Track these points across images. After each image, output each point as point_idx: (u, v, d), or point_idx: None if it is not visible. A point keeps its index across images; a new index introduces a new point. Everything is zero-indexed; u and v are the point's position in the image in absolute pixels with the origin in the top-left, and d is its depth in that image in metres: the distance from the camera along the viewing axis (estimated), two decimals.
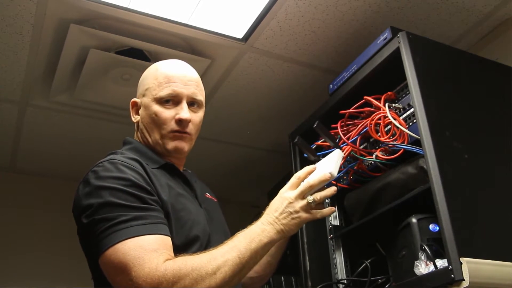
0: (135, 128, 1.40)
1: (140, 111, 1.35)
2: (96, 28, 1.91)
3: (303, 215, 1.21)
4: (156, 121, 1.30)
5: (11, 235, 2.78)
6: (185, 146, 1.32)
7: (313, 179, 1.24)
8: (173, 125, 1.30)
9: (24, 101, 2.32)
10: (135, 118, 1.37)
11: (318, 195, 1.23)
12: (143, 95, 1.35)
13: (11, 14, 1.83)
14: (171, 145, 1.31)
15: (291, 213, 1.21)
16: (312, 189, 1.24)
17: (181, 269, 1.04)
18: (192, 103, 1.34)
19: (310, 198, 1.22)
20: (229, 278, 1.08)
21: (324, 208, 1.31)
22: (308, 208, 1.22)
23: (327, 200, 1.85)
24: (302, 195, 1.23)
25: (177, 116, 1.30)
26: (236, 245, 1.12)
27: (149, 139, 1.33)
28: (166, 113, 1.30)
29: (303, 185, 1.24)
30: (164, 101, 1.30)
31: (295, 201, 1.22)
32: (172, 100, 1.31)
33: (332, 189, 1.27)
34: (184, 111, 1.30)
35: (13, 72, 2.13)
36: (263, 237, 1.16)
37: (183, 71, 1.36)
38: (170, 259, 1.07)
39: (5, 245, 2.73)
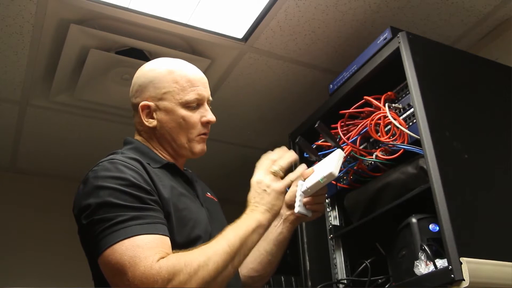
0: (137, 130, 1.37)
1: (159, 115, 1.32)
2: (96, 28, 1.91)
3: (275, 185, 1.26)
4: (183, 126, 1.31)
5: (11, 235, 2.78)
6: (205, 147, 1.36)
7: (273, 154, 1.32)
8: (200, 128, 1.33)
9: (24, 101, 2.33)
10: (149, 122, 1.32)
11: (281, 164, 1.29)
12: (160, 99, 1.32)
13: (11, 14, 1.83)
14: (198, 148, 1.33)
15: (264, 190, 1.25)
16: (274, 162, 1.30)
17: (175, 265, 1.05)
18: (208, 104, 1.37)
19: (272, 168, 1.28)
20: (222, 268, 1.09)
21: (319, 201, 1.37)
22: (276, 178, 1.27)
23: (327, 200, 1.85)
24: (267, 171, 1.28)
25: (204, 119, 1.33)
26: (224, 236, 1.14)
27: (173, 144, 1.33)
28: (194, 117, 1.32)
29: (264, 162, 1.31)
30: (191, 106, 1.32)
31: (263, 178, 1.27)
32: (197, 103, 1.33)
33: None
34: (210, 114, 1.34)
35: (13, 72, 2.13)
36: (249, 222, 1.19)
37: (200, 73, 1.38)
38: (165, 257, 1.07)
39: (5, 245, 2.73)
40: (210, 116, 1.34)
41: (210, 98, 1.38)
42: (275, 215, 1.26)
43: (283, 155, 1.33)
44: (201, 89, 1.33)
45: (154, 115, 1.32)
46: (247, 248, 1.17)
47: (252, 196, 1.27)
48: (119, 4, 1.83)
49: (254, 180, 1.29)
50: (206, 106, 1.35)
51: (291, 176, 1.32)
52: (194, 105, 1.32)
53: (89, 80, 2.14)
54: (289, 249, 1.49)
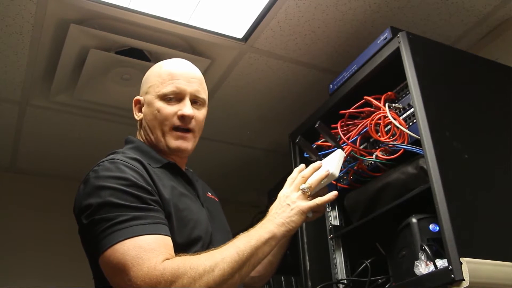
0: (138, 126, 1.39)
1: (143, 109, 1.36)
2: (96, 28, 1.91)
3: (300, 203, 1.24)
4: (158, 118, 1.30)
5: (11, 235, 2.78)
6: (188, 145, 1.32)
7: (307, 171, 1.30)
8: (175, 121, 1.30)
9: (24, 101, 2.32)
10: (138, 116, 1.38)
11: (312, 183, 1.28)
12: (146, 93, 1.35)
13: (11, 14, 1.83)
14: (174, 144, 1.31)
15: (288, 205, 1.24)
16: (305, 180, 1.29)
17: (180, 268, 1.04)
18: (195, 101, 1.34)
19: (302, 186, 1.27)
20: (228, 275, 1.07)
21: (324, 207, 1.34)
22: (303, 197, 1.26)
23: None
24: (297, 188, 1.27)
25: (179, 112, 1.30)
26: (234, 243, 1.13)
27: (152, 137, 1.33)
28: (168, 109, 1.30)
29: (297, 178, 1.30)
30: (167, 98, 1.31)
31: (290, 194, 1.26)
32: (175, 97, 1.31)
33: (332, 194, 1.29)
34: (186, 107, 1.30)
35: (13, 72, 2.13)
36: (263, 232, 1.17)
37: (187, 68, 1.37)
38: (169, 259, 1.06)
39: (5, 245, 2.73)
40: (186, 110, 1.30)
41: (199, 95, 1.35)
42: (291, 231, 1.23)
43: (315, 174, 1.31)
44: (181, 83, 1.32)
45: (142, 109, 1.36)
46: (258, 258, 1.15)
47: (275, 207, 1.26)
48: (119, 4, 1.83)
49: (282, 193, 1.28)
50: (186, 101, 1.32)
51: (318, 200, 1.27)
52: (171, 97, 1.31)
53: (89, 80, 2.14)
54: (289, 249, 1.49)
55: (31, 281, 2.65)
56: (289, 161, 2.01)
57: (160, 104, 1.30)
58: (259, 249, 1.14)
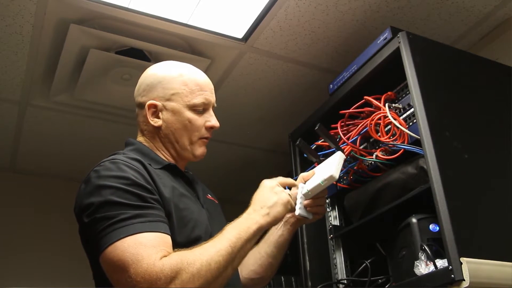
0: (140, 130, 1.37)
1: (165, 115, 1.33)
2: (96, 28, 1.91)
3: (284, 195, 1.27)
4: (188, 128, 1.33)
5: (11, 235, 2.78)
6: (205, 150, 1.39)
7: (284, 179, 1.35)
8: (204, 132, 1.36)
9: (24, 101, 2.32)
10: (155, 122, 1.33)
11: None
12: (168, 100, 1.33)
13: (11, 14, 1.83)
14: (199, 151, 1.36)
15: (275, 193, 1.27)
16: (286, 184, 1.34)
17: (178, 264, 1.05)
18: (213, 109, 1.40)
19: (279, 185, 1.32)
20: (223, 268, 1.09)
21: (320, 204, 1.39)
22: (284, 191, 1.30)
23: (327, 201, 1.85)
24: (277, 183, 1.31)
25: (209, 124, 1.36)
26: (225, 236, 1.14)
27: (176, 144, 1.34)
28: (200, 120, 1.35)
29: (284, 178, 1.35)
30: (198, 110, 1.34)
31: (275, 185, 1.29)
32: (203, 108, 1.36)
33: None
34: (214, 119, 1.37)
35: (13, 72, 2.13)
36: (250, 224, 1.19)
37: (207, 78, 1.41)
38: (167, 256, 1.07)
39: (5, 245, 2.73)
40: (215, 122, 1.37)
41: (215, 104, 1.40)
42: (276, 222, 1.26)
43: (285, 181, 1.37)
44: (208, 94, 1.37)
45: (160, 114, 1.33)
46: (247, 250, 1.17)
47: (259, 195, 1.27)
48: (119, 4, 1.83)
49: (266, 182, 1.30)
50: (211, 111, 1.38)
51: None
52: (200, 109, 1.35)
53: (89, 80, 2.14)
54: (289, 249, 1.49)
55: (31, 281, 2.65)
56: (289, 161, 2.01)
57: (190, 115, 1.33)
58: (248, 241, 1.16)
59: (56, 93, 2.26)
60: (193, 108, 1.33)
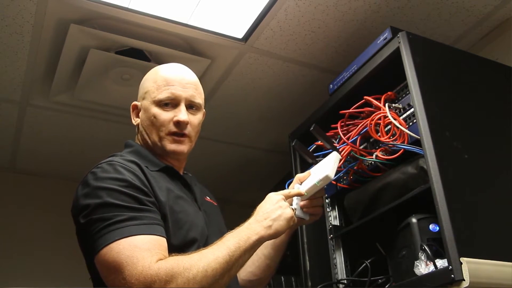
0: (136, 131, 1.40)
1: (140, 114, 1.37)
2: (96, 28, 1.91)
3: (289, 210, 1.25)
4: (155, 123, 1.32)
5: (11, 235, 2.78)
6: (184, 148, 1.33)
7: (289, 192, 1.33)
8: (171, 127, 1.31)
9: (24, 101, 2.32)
10: (135, 120, 1.39)
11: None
12: (143, 98, 1.37)
13: (11, 14, 1.83)
14: (170, 147, 1.32)
15: (280, 207, 1.24)
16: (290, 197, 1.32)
17: (174, 268, 1.05)
18: (191, 106, 1.35)
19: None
20: (219, 276, 1.08)
21: (317, 204, 1.38)
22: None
23: (327, 200, 1.85)
24: (286, 197, 1.29)
25: (175, 118, 1.31)
26: (225, 244, 1.13)
27: (149, 141, 1.34)
28: (165, 115, 1.31)
29: (288, 190, 1.33)
30: (163, 104, 1.32)
31: (281, 199, 1.26)
32: (171, 103, 1.32)
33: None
34: (182, 113, 1.31)
35: (13, 72, 2.13)
36: (251, 234, 1.17)
37: (182, 74, 1.37)
38: (162, 259, 1.07)
39: (5, 245, 2.73)
40: (180, 116, 1.31)
41: (194, 100, 1.35)
42: (277, 235, 1.23)
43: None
44: (176, 88, 1.33)
45: (139, 114, 1.38)
46: (245, 260, 1.16)
47: (264, 207, 1.25)
48: (119, 4, 1.83)
49: (273, 195, 1.28)
50: (182, 106, 1.33)
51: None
52: (166, 103, 1.32)
53: (89, 80, 2.14)
54: (289, 249, 1.49)
55: (31, 281, 2.65)
56: (289, 161, 2.01)
57: (156, 110, 1.32)
58: (247, 251, 1.15)
59: (56, 93, 2.26)
60: (159, 103, 1.32)
